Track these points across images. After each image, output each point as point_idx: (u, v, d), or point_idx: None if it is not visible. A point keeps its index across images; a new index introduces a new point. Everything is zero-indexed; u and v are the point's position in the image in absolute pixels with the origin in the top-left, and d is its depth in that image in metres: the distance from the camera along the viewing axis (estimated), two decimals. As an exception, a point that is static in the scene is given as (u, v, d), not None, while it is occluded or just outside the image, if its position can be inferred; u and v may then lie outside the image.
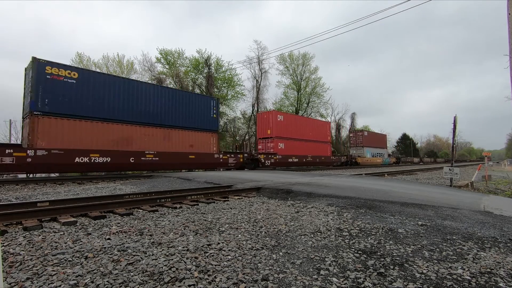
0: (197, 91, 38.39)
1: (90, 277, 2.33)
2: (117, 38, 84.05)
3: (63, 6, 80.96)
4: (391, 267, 2.64)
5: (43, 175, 17.21)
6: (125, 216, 4.78)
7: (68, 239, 3.37)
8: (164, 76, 35.39)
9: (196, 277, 2.36)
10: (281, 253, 2.98)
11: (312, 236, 3.64)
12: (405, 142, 77.28)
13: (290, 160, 24.26)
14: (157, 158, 15.07)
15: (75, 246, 3.13)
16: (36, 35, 69.48)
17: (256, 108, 39.83)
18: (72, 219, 4.39)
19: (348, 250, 3.10)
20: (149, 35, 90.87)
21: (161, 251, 2.95)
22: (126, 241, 3.30)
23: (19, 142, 28.14)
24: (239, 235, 3.62)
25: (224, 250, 3.03)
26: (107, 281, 2.26)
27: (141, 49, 63.30)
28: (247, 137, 40.70)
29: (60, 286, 2.19)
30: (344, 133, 53.88)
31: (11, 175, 13.55)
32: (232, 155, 19.80)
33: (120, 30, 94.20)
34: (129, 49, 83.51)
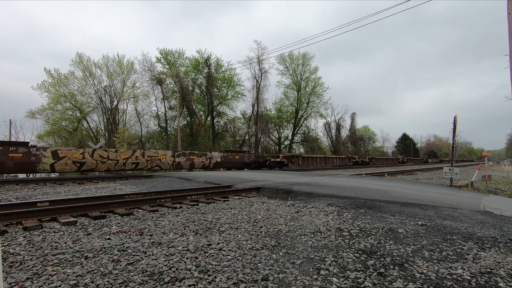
0: (197, 91, 38.40)
1: (90, 277, 2.33)
2: (108, 37, 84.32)
3: (51, 5, 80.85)
4: (391, 267, 2.64)
5: (43, 175, 17.25)
6: (125, 216, 4.77)
7: (68, 239, 3.37)
8: (164, 76, 35.36)
9: (196, 277, 2.36)
10: (281, 253, 2.98)
11: (312, 236, 3.64)
12: (405, 142, 77.17)
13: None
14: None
15: (75, 246, 3.13)
16: (25, 33, 68.94)
17: (256, 108, 39.81)
18: (72, 219, 4.39)
19: (348, 250, 3.10)
20: (141, 34, 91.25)
21: (161, 251, 2.95)
22: (126, 241, 3.29)
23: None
24: (239, 235, 3.61)
25: (224, 250, 3.03)
26: (107, 281, 2.26)
27: (131, 48, 63.11)
28: (247, 137, 40.68)
29: (60, 286, 2.19)
30: (344, 133, 53.84)
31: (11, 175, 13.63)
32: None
33: (111, 29, 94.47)
34: (120, 48, 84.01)
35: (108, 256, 2.80)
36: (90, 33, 76.38)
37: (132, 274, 2.41)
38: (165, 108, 35.76)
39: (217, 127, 39.26)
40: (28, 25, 73.60)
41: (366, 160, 38.77)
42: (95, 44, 71.45)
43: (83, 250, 2.97)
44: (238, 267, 2.59)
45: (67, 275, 2.36)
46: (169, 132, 36.35)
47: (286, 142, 47.70)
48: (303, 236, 3.62)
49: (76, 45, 67.64)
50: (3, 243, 3.22)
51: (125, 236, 3.52)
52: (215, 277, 2.38)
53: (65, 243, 3.23)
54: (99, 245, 3.13)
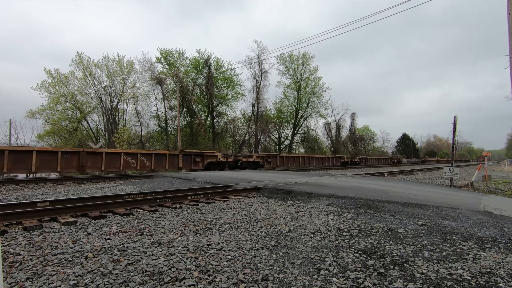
0: (197, 91, 38.40)
1: (90, 277, 2.33)
2: (107, 37, 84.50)
3: (49, 5, 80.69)
4: (391, 267, 2.64)
5: (43, 175, 17.26)
6: (125, 216, 4.77)
7: (68, 239, 3.37)
8: (164, 76, 35.35)
9: (196, 277, 2.36)
10: (281, 253, 2.98)
11: (312, 236, 3.64)
12: (405, 142, 77.22)
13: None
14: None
15: (75, 246, 3.13)
16: (24, 34, 68.48)
17: (256, 108, 39.80)
18: (72, 219, 4.39)
19: (348, 250, 3.10)
20: (139, 34, 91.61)
21: (161, 251, 2.95)
22: (126, 241, 3.29)
23: (19, 142, 28.15)
24: (239, 235, 3.62)
25: (224, 250, 3.03)
26: (107, 281, 2.26)
27: (130, 48, 62.88)
28: (247, 137, 40.68)
29: (60, 286, 2.19)
30: (344, 133, 53.76)
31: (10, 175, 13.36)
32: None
33: (109, 29, 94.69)
34: (118, 48, 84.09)
35: (108, 256, 2.80)
36: (88, 33, 76.32)
37: (132, 274, 2.41)
38: (165, 108, 35.78)
39: (217, 127, 39.25)
40: (26, 25, 73.46)
41: (268, 159, 22.80)
42: (94, 44, 71.44)
43: (83, 250, 2.97)
44: (238, 267, 2.59)
45: (67, 275, 2.36)
46: (169, 132, 36.34)
47: (286, 142, 47.70)
48: (303, 236, 3.62)
49: (75, 45, 67.49)
50: (3, 243, 3.22)
51: (125, 236, 3.52)
52: (215, 277, 2.38)
53: (65, 243, 3.23)
54: (99, 245, 3.13)
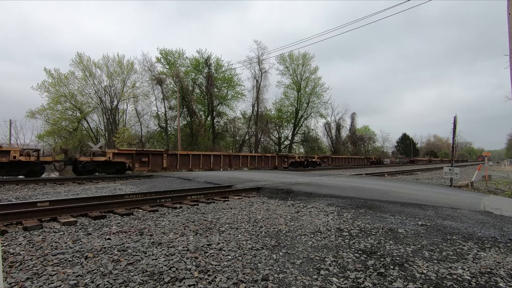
0: (197, 91, 38.40)
1: (90, 277, 2.33)
2: (106, 37, 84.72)
3: (48, 5, 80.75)
4: (391, 267, 2.64)
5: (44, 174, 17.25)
6: (125, 216, 4.77)
7: (68, 239, 3.37)
8: (164, 76, 35.35)
9: (196, 277, 2.36)
10: (281, 253, 2.98)
11: (312, 236, 3.64)
12: (405, 142, 77.17)
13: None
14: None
15: (75, 246, 3.13)
16: (21, 33, 68.36)
17: (256, 108, 39.80)
18: (72, 219, 4.39)
19: (348, 250, 3.10)
20: (138, 34, 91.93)
21: (161, 251, 2.95)
22: (126, 241, 3.29)
23: (19, 142, 28.12)
24: (239, 235, 3.61)
25: (224, 250, 3.03)
26: (107, 281, 2.26)
27: (129, 48, 62.93)
28: (247, 137, 40.67)
29: (60, 286, 2.19)
30: (344, 133, 53.73)
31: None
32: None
33: (107, 29, 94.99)
34: (117, 48, 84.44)
35: (108, 256, 2.80)
36: (88, 33, 76.42)
37: (132, 274, 2.41)
38: (165, 108, 35.78)
39: (217, 127, 39.24)
40: (26, 25, 73.56)
41: (141, 158, 14.01)
42: (94, 44, 71.55)
43: (83, 250, 2.97)
44: (238, 267, 2.59)
45: (67, 275, 2.36)
46: (169, 132, 36.34)
47: (286, 142, 47.69)
48: (303, 236, 3.62)
49: (75, 45, 68.02)
50: (3, 243, 3.22)
51: (125, 236, 3.52)
52: (215, 277, 2.38)
53: (65, 243, 3.23)
54: (99, 245, 3.13)
